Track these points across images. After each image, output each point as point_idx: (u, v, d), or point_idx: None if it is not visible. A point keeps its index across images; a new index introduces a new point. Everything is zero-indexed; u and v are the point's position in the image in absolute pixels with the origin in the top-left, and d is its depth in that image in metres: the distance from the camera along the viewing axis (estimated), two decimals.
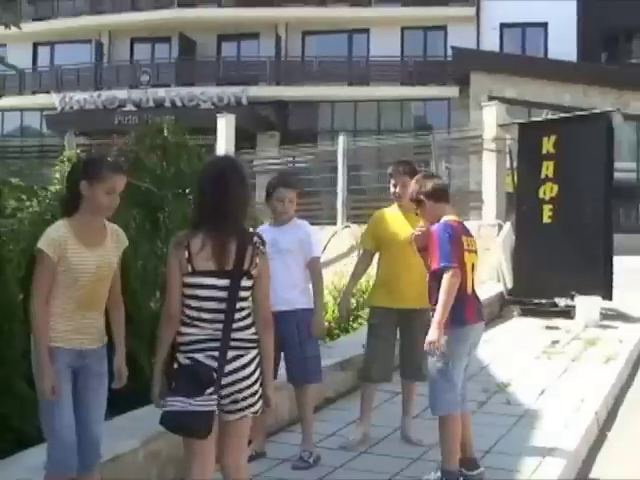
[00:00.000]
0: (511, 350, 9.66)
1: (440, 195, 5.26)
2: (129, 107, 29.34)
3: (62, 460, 3.93)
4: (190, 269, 3.72)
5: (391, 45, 30.17)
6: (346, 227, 16.20)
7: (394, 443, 6.10)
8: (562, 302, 11.67)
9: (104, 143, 11.64)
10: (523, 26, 29.47)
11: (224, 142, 19.55)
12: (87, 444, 4.03)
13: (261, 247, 3.84)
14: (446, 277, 4.90)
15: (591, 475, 5.80)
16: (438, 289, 4.99)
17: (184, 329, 3.76)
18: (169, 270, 3.79)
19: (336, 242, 16.00)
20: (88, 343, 4.08)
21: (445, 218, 5.16)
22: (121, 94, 30.04)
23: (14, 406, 5.08)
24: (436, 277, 5.03)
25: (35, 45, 34.06)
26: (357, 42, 31.32)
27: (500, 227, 13.60)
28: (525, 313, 11.97)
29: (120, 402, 4.73)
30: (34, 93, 32.72)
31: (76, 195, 4.06)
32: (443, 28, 30.30)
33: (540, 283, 11.86)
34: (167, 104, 28.98)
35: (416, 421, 6.32)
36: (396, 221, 6.09)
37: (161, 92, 29.63)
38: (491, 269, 13.22)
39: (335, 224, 16.48)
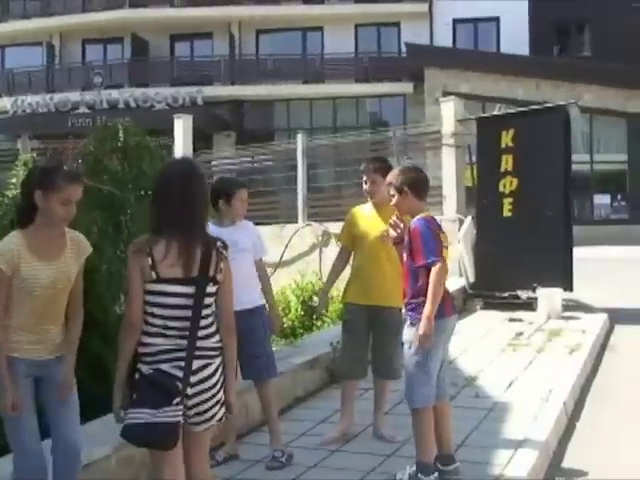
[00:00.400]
0: (477, 343, 9.71)
1: (422, 190, 5.25)
2: (82, 109, 29.09)
3: (28, 470, 3.88)
4: (154, 276, 3.57)
5: (345, 42, 30.26)
6: (307, 225, 16.18)
7: (367, 440, 6.09)
8: (524, 294, 11.76)
9: (59, 147, 11.48)
10: (475, 21, 29.75)
11: (182, 143, 19.38)
12: (62, 451, 3.99)
13: (224, 251, 3.75)
14: (435, 270, 4.91)
15: (563, 464, 5.84)
16: (416, 285, 5.01)
17: (148, 339, 3.61)
18: (130, 278, 3.62)
19: (298, 240, 16.00)
20: (46, 353, 4.01)
21: (422, 214, 5.16)
22: (74, 96, 29.76)
23: None
24: (414, 272, 5.04)
25: None
26: (311, 40, 31.38)
27: (461, 222, 13.66)
28: (488, 306, 12.05)
29: (89, 407, 4.67)
30: None
31: (31, 205, 3.93)
32: (396, 24, 30.45)
33: (502, 276, 11.95)
34: (121, 105, 28.78)
35: (388, 417, 6.32)
36: (368, 218, 6.09)
37: (115, 93, 29.42)
38: (453, 263, 13.27)
39: (296, 222, 16.45)
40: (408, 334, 5.06)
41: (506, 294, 11.98)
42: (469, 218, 13.18)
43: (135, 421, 3.48)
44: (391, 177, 5.28)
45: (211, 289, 3.68)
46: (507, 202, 12.21)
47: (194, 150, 19.91)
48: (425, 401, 5.05)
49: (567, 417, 6.89)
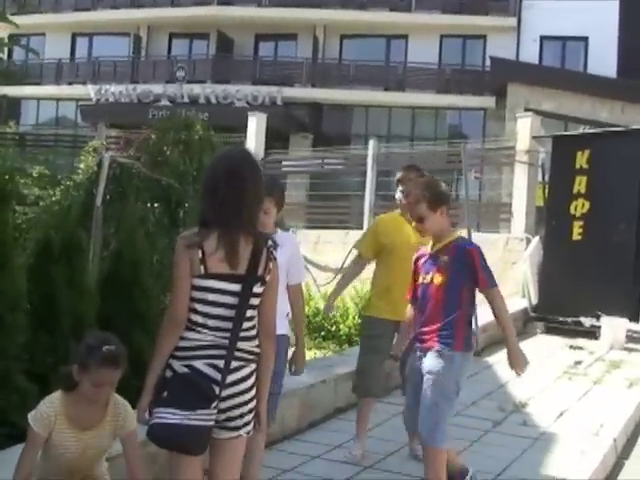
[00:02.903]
0: (532, 368, 9.36)
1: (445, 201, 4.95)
2: (164, 102, 29.34)
3: None
4: (202, 271, 3.40)
5: (429, 52, 29.95)
6: None
7: (401, 459, 5.89)
8: (587, 322, 11.43)
9: (131, 137, 11.55)
10: (563, 39, 29.14)
11: (254, 141, 19.41)
12: None
13: (274, 252, 3.57)
14: (499, 294, 4.74)
15: None
16: (453, 312, 4.68)
17: (184, 333, 3.43)
18: (179, 272, 3.42)
19: None
20: None
21: (457, 235, 5.00)
22: (156, 89, 30.06)
23: (13, 400, 4.94)
24: (456, 299, 4.71)
25: (74, 36, 34.27)
26: (395, 47, 31.13)
27: (528, 241, 13.34)
28: (549, 331, 11.73)
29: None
30: (70, 84, 32.88)
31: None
32: (482, 37, 30.03)
33: (566, 301, 11.62)
34: (202, 101, 28.99)
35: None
36: (401, 230, 5.83)
37: (196, 88, 29.61)
38: (517, 284, 12.98)
39: (362, 228, 16.30)
40: (436, 364, 4.64)
41: (569, 320, 11.66)
42: (536, 238, 12.85)
43: (166, 421, 3.32)
44: (423, 189, 4.88)
45: (258, 289, 3.50)
46: (577, 225, 11.87)
47: (267, 149, 19.95)
48: (446, 439, 4.69)
49: (616, 454, 6.59)
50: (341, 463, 5.63)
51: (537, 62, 29.08)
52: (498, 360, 9.74)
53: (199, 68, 31.72)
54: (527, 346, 10.64)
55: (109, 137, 17.65)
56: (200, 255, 3.39)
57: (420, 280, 4.84)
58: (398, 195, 5.91)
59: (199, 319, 3.43)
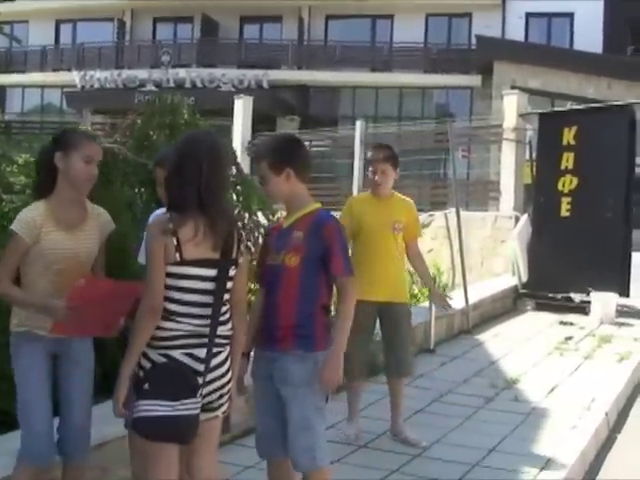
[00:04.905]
0: (523, 345, 9.45)
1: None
2: (149, 87, 29.20)
3: (34, 448, 3.77)
4: (178, 258, 3.33)
5: (415, 32, 29.90)
6: None
7: (389, 442, 5.87)
8: (577, 297, 11.44)
9: (117, 121, 11.48)
10: (549, 16, 29.11)
11: (240, 124, 19.35)
12: (70, 433, 3.90)
13: (243, 232, 3.53)
14: (353, 287, 3.93)
15: (598, 477, 5.60)
16: (314, 303, 3.90)
17: (161, 323, 3.34)
18: (153, 259, 3.33)
19: None
20: None
21: (318, 205, 4.06)
22: (142, 74, 29.96)
23: (2, 387, 4.92)
24: (317, 287, 3.92)
25: (57, 22, 34.05)
26: (381, 28, 31.07)
27: (517, 219, 13.34)
28: (539, 307, 11.74)
29: (108, 386, 4.57)
30: (55, 70, 32.72)
31: (50, 173, 3.84)
32: (468, 16, 29.99)
33: (556, 277, 11.62)
34: (188, 85, 28.88)
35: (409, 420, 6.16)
36: (374, 210, 5.77)
37: (182, 73, 29.52)
38: (506, 261, 13.01)
39: None
40: (297, 373, 3.80)
41: (559, 296, 11.66)
42: (525, 216, 12.85)
43: (153, 414, 3.27)
44: (267, 146, 4.13)
45: (232, 272, 3.48)
46: (565, 201, 11.86)
47: (254, 132, 19.89)
48: (327, 456, 3.92)
49: (608, 428, 6.62)
50: (335, 443, 5.60)
51: (523, 39, 29.06)
52: (489, 338, 9.79)
53: (184, 52, 31.60)
54: (518, 323, 10.83)
55: (94, 123, 17.58)
56: (175, 242, 3.32)
57: (269, 260, 3.95)
58: (370, 175, 5.85)
59: (176, 307, 3.37)
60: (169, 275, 3.36)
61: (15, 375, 3.88)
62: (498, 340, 9.70)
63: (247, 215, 7.31)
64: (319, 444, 3.82)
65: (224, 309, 3.46)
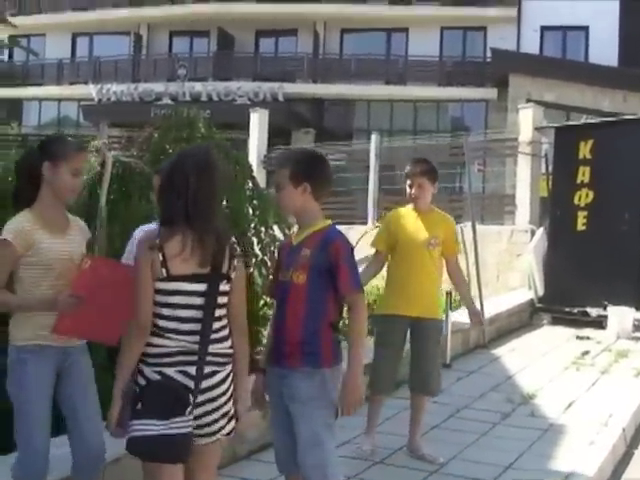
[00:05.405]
0: (539, 360, 9.41)
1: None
2: (166, 100, 29.27)
3: (31, 466, 3.71)
4: (164, 274, 3.31)
5: (430, 45, 29.89)
6: (377, 227, 15.94)
7: (405, 459, 5.85)
8: (594, 312, 11.41)
9: (134, 135, 11.51)
10: (564, 29, 29.05)
11: (256, 137, 19.40)
12: (82, 449, 3.86)
13: (237, 247, 3.53)
14: (363, 303, 3.96)
15: None
16: (321, 322, 3.89)
17: (151, 339, 3.32)
18: (140, 275, 3.31)
19: (365, 242, 15.77)
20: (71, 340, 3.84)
21: (329, 222, 4.04)
22: (158, 87, 30.05)
23: None
24: (324, 305, 3.92)
25: (74, 35, 34.26)
26: (395, 41, 31.08)
27: (533, 233, 13.31)
28: (555, 322, 11.71)
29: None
30: (72, 84, 32.84)
31: (31, 181, 3.81)
32: (483, 29, 29.96)
33: (572, 291, 11.59)
34: (204, 98, 28.92)
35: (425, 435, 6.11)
36: (413, 224, 5.81)
37: (198, 86, 29.58)
38: (522, 275, 12.97)
39: (366, 223, 16.27)
40: (305, 390, 3.77)
41: (575, 310, 11.63)
42: (541, 229, 12.82)
43: (146, 433, 3.24)
44: (292, 156, 4.15)
45: (224, 287, 3.44)
46: (581, 215, 11.85)
47: (270, 145, 19.93)
48: (339, 472, 3.96)
49: (626, 444, 6.58)
50: (351, 459, 5.60)
51: (538, 52, 29.00)
52: (505, 352, 9.76)
53: (200, 66, 31.71)
54: (534, 338, 10.78)
55: (111, 136, 17.62)
56: (160, 257, 3.31)
57: (281, 277, 3.97)
58: (407, 189, 5.88)
59: (165, 324, 3.35)
60: (157, 291, 3.34)
61: (16, 390, 3.76)
62: (514, 355, 9.66)
63: (263, 229, 7.35)
64: (330, 460, 3.79)
65: (217, 325, 3.42)
